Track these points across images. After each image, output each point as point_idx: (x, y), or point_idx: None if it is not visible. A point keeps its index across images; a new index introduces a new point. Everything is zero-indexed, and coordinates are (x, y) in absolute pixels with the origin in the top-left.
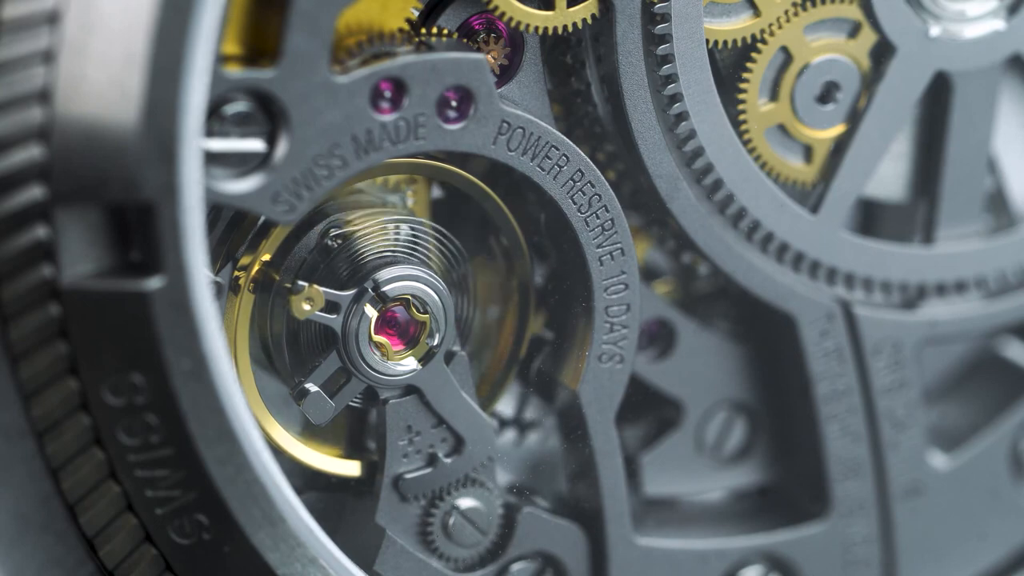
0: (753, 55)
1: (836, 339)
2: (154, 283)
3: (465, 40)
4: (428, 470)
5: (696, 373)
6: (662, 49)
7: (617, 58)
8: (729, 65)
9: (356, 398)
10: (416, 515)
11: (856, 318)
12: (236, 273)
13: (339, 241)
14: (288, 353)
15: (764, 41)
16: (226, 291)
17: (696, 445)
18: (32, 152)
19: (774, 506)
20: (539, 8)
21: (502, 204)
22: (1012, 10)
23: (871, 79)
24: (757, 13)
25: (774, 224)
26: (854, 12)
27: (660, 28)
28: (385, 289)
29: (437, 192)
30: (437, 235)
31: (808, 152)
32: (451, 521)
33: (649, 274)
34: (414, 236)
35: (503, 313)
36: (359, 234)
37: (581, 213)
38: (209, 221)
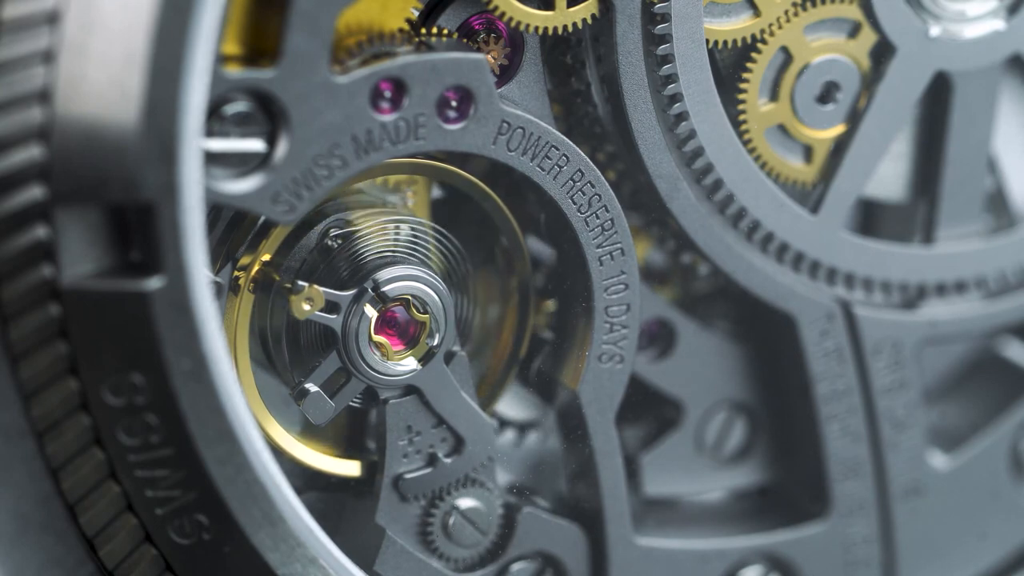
0: (753, 55)
1: (836, 339)
2: (154, 283)
3: (465, 40)
4: (428, 470)
5: (696, 373)
6: (662, 49)
7: (617, 58)
8: (729, 65)
9: (356, 398)
10: (416, 515)
11: (856, 318)
12: (236, 273)
13: (339, 241)
14: (288, 353)
15: (764, 41)
16: (226, 291)
17: (696, 445)
18: (32, 152)
19: (774, 506)
20: (539, 8)
21: (502, 204)
22: (1012, 10)
23: (871, 79)
24: (757, 13)
25: (774, 224)
26: (854, 12)
27: (660, 28)
28: (385, 289)
29: (437, 192)
30: (437, 235)
31: (808, 152)
32: (451, 521)
33: (649, 274)
34: (414, 236)
35: (503, 313)
36: (359, 234)
37: (581, 213)
38: (209, 221)
